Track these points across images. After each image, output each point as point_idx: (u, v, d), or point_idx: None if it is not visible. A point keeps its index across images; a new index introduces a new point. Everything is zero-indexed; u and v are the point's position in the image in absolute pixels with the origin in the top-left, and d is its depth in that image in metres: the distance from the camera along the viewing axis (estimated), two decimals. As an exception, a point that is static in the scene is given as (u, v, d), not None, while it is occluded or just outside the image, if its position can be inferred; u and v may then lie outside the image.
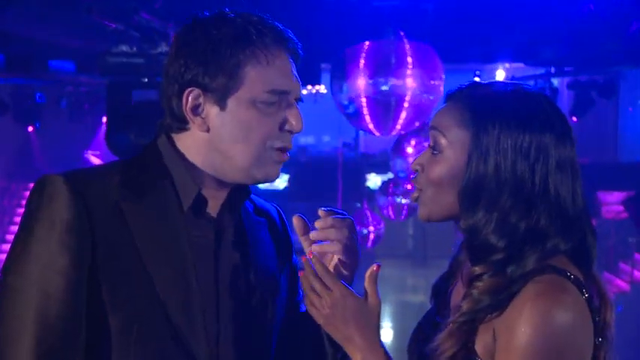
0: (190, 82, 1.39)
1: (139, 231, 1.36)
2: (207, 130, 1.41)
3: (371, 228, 8.01)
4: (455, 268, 1.52)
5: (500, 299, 1.29)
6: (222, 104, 1.40)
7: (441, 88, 5.45)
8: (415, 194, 1.44)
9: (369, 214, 8.11)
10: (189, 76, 1.39)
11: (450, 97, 1.45)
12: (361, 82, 5.39)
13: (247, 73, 1.39)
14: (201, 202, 1.44)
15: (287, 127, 1.43)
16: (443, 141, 1.39)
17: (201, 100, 1.40)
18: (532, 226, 1.32)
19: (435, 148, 1.41)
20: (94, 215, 1.33)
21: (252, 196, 1.58)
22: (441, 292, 1.52)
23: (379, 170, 11.80)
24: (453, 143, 1.38)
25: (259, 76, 1.40)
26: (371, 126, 5.62)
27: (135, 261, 1.35)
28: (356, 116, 5.63)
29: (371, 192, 10.32)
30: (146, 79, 5.30)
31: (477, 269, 1.34)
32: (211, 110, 1.40)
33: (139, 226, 1.36)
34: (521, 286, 1.28)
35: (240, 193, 1.49)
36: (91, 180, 1.38)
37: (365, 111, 5.48)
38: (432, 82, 5.38)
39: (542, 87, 8.13)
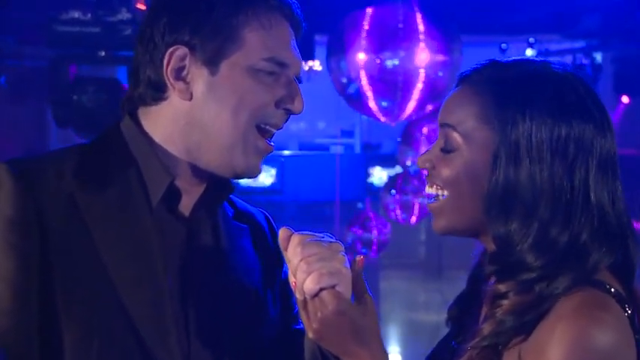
0: (175, 42, 1.42)
1: (99, 229, 1.37)
2: (190, 99, 1.43)
3: (375, 233, 8.01)
4: (474, 285, 1.52)
5: (527, 321, 1.30)
6: (212, 68, 1.42)
7: (459, 65, 5.47)
8: (434, 204, 1.44)
9: (372, 216, 8.11)
10: (173, 36, 1.42)
11: (463, 80, 1.44)
12: (363, 57, 5.40)
13: (246, 36, 1.42)
14: (173, 194, 1.45)
15: (285, 105, 1.46)
16: (457, 138, 1.39)
17: (187, 61, 1.42)
18: (572, 240, 1.33)
19: (447, 146, 1.41)
20: (44, 210, 1.34)
21: (234, 198, 1.59)
22: (458, 314, 1.53)
23: (385, 164, 11.80)
24: (470, 139, 1.38)
25: (260, 41, 1.43)
26: (375, 110, 5.62)
27: (94, 264, 1.36)
28: (357, 98, 5.64)
29: (375, 189, 10.33)
30: (103, 53, 5.29)
31: (502, 287, 1.35)
32: (198, 74, 1.42)
33: (98, 223, 1.37)
34: (553, 304, 1.29)
35: (218, 189, 1.50)
36: (40, 169, 1.39)
37: (368, 92, 5.49)
38: (448, 58, 5.39)
39: (582, 64, 8.13)
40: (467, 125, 1.39)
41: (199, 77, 1.42)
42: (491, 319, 1.34)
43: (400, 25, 5.30)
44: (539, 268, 1.32)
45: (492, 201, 1.36)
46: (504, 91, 1.37)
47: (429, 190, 1.44)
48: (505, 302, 1.33)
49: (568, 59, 8.46)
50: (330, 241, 1.38)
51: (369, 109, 5.64)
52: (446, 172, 1.40)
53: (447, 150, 1.41)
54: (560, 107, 1.34)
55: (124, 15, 5.11)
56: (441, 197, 1.42)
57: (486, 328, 1.34)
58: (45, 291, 1.33)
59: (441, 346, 1.52)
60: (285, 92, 1.45)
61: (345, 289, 1.37)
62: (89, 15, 5.15)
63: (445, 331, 1.57)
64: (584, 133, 1.34)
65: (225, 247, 1.51)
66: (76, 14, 5.15)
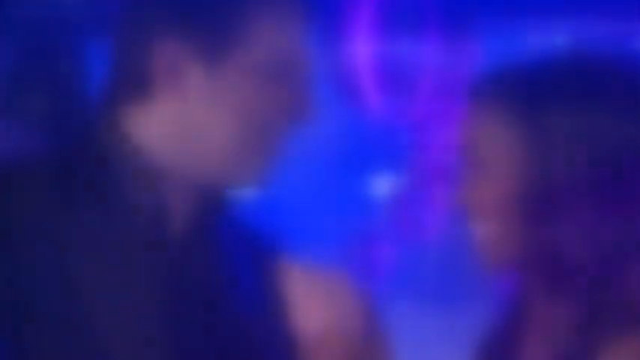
0: (166, 32, 1.40)
1: (76, 257, 1.36)
2: (182, 101, 1.42)
3: (377, 254, 8.03)
4: (515, 313, 1.54)
5: (593, 339, 1.33)
6: (212, 68, 1.41)
7: (478, 54, 5.48)
8: (482, 237, 1.46)
9: (374, 233, 8.14)
10: (165, 25, 1.40)
11: (473, 97, 1.49)
12: (363, 45, 5.41)
13: (257, 31, 1.41)
14: (161, 212, 1.44)
15: (296, 113, 1.46)
16: (488, 152, 1.43)
17: (180, 58, 1.41)
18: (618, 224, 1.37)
19: (479, 164, 1.44)
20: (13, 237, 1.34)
21: (232, 212, 1.58)
22: (496, 348, 1.54)
23: (389, 169, 11.87)
24: (501, 149, 1.42)
25: (270, 37, 1.42)
26: (377, 107, 5.64)
27: (72, 300, 1.35)
28: (357, 94, 5.65)
29: (378, 200, 10.37)
30: (65, 39, 5.31)
31: (559, 306, 1.38)
32: (194, 74, 1.41)
33: (75, 250, 1.37)
34: (618, 330, 1.32)
35: (212, 204, 1.50)
36: (7, 183, 1.38)
37: (369, 86, 5.51)
38: (465, 45, 5.41)
39: (628, 51, 8.16)
40: (494, 136, 1.42)
41: (195, 78, 1.41)
42: (546, 347, 1.36)
43: (409, 13, 5.32)
44: (590, 256, 1.36)
45: (527, 203, 1.39)
46: (517, 87, 1.42)
47: (473, 228, 1.47)
48: (565, 321, 1.36)
49: (607, 45, 8.50)
50: (334, 273, 1.38)
51: (371, 107, 5.66)
52: (487, 194, 1.43)
53: (480, 169, 1.44)
54: (583, 85, 1.41)
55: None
56: (487, 227, 1.44)
57: (545, 354, 1.36)
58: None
59: None
60: (295, 98, 1.45)
61: (353, 329, 1.37)
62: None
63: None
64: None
65: (222, 274, 1.51)
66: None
